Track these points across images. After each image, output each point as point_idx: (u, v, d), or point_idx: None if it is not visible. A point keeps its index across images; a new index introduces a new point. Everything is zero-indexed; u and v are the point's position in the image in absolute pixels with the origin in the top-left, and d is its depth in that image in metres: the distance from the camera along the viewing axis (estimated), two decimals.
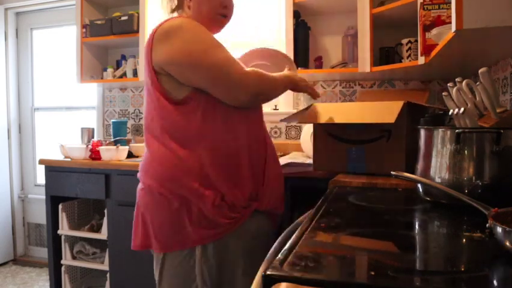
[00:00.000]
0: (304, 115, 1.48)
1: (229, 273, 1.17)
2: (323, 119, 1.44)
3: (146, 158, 1.21)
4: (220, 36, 1.27)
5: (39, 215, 3.18)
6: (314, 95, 1.39)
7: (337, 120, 1.39)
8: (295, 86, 1.34)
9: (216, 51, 1.15)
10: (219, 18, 1.28)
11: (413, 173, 0.95)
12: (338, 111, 1.43)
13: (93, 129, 2.59)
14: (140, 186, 1.23)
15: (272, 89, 1.25)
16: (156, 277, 1.22)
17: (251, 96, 1.17)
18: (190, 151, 1.13)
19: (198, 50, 1.13)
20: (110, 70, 2.69)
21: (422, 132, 0.96)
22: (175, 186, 1.13)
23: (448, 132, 0.87)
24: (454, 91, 1.03)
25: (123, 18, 2.49)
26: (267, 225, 1.25)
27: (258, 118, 1.30)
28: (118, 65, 2.75)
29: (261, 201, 1.22)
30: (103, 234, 2.16)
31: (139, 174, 1.23)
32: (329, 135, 1.46)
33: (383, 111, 1.31)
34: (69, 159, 2.22)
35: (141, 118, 2.85)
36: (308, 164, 1.71)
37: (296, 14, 2.22)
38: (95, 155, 2.19)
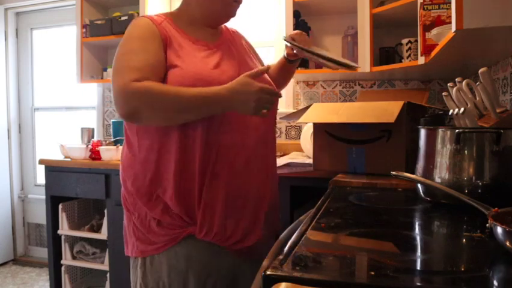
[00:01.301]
0: (304, 114, 1.48)
1: None
2: (322, 118, 1.44)
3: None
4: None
5: (39, 215, 3.18)
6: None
7: (337, 120, 1.38)
8: (226, 108, 1.01)
9: (128, 57, 1.02)
10: (231, 2, 1.15)
11: (413, 173, 0.95)
12: (337, 111, 1.43)
13: (93, 129, 2.59)
14: None
15: (162, 109, 0.99)
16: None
17: (126, 114, 0.99)
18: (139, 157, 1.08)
19: (121, 49, 1.05)
20: (110, 70, 2.69)
21: (422, 132, 0.96)
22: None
23: (448, 132, 0.87)
24: (454, 91, 1.03)
25: (123, 18, 2.49)
26: (209, 262, 1.04)
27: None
28: None
29: (200, 227, 1.03)
30: (103, 234, 2.17)
31: None
32: (328, 135, 1.46)
33: (383, 111, 1.31)
34: (69, 159, 2.22)
35: None
36: (308, 164, 1.71)
37: (296, 14, 2.22)
38: (95, 155, 2.19)
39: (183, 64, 1.04)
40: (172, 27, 1.10)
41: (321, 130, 1.48)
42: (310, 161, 1.63)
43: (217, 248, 1.05)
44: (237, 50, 1.20)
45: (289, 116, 1.63)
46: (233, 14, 1.18)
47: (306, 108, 1.52)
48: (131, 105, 0.98)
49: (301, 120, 1.49)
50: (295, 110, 2.25)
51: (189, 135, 1.02)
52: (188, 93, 0.97)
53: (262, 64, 1.31)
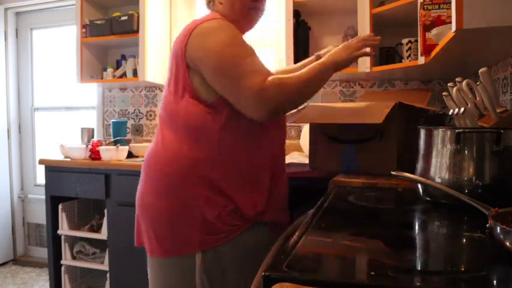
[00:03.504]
0: (299, 115, 1.50)
1: (230, 283, 1.11)
2: (315, 119, 1.45)
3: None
4: None
5: (39, 215, 3.18)
6: (371, 45, 1.24)
7: (326, 120, 1.40)
8: (339, 66, 1.18)
9: (245, 61, 1.09)
10: (252, 13, 1.24)
11: (410, 172, 0.95)
12: (331, 112, 1.45)
13: (93, 129, 2.59)
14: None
15: (298, 93, 1.13)
16: (153, 282, 1.18)
17: (268, 113, 1.08)
18: (203, 155, 1.11)
19: (229, 55, 1.09)
20: (110, 70, 2.69)
21: (422, 132, 0.96)
22: (180, 188, 1.11)
23: (448, 132, 0.87)
24: (454, 91, 1.03)
25: (123, 18, 2.49)
26: (267, 237, 1.15)
27: (283, 123, 1.27)
28: (118, 65, 2.75)
29: (265, 212, 1.17)
30: (103, 234, 2.16)
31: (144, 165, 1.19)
32: (323, 135, 1.47)
33: (373, 111, 1.31)
34: (69, 159, 2.22)
35: (141, 118, 2.85)
36: (308, 164, 1.71)
37: (296, 14, 2.22)
38: (95, 155, 2.19)
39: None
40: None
41: (317, 130, 1.49)
42: None
43: (267, 227, 1.18)
44: None
45: (287, 117, 1.64)
46: (253, 25, 1.31)
47: (302, 108, 1.53)
48: (274, 102, 1.07)
49: (296, 120, 1.50)
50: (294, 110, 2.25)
51: (276, 137, 1.25)
52: (306, 72, 1.13)
53: None
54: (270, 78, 1.07)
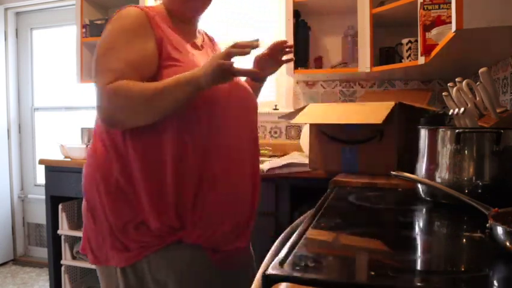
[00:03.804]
0: (298, 114, 1.50)
1: None
2: (315, 118, 1.45)
3: None
4: (220, 37, 1.25)
5: (39, 215, 3.18)
6: (251, 74, 1.08)
7: (326, 121, 1.40)
8: (200, 87, 0.91)
9: (107, 58, 0.93)
10: (191, 2, 1.06)
11: (410, 172, 0.95)
12: (331, 112, 1.45)
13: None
14: None
15: (138, 105, 0.90)
16: None
17: (104, 121, 0.93)
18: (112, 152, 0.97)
19: (105, 47, 0.95)
20: None
21: (422, 132, 0.96)
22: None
23: (448, 132, 0.87)
24: (454, 91, 1.03)
25: None
26: (199, 265, 0.96)
27: (201, 117, 0.96)
28: None
29: (190, 231, 0.95)
30: None
31: None
32: (323, 135, 1.47)
33: (373, 112, 1.32)
34: (69, 159, 2.22)
35: None
36: (308, 164, 1.71)
37: (296, 14, 2.22)
38: None
39: (184, 59, 0.97)
40: (164, 22, 1.01)
41: (317, 130, 1.49)
42: None
43: (199, 254, 0.96)
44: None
45: (286, 116, 1.64)
46: (198, 11, 1.09)
47: (302, 108, 1.54)
48: (106, 110, 0.91)
49: (295, 120, 1.50)
50: (294, 110, 2.25)
51: (183, 139, 0.95)
52: (158, 84, 0.90)
53: None
54: (119, 81, 0.89)
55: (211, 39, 1.24)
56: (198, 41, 1.13)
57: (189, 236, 0.95)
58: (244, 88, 1.11)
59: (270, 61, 1.18)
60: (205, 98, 0.96)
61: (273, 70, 1.21)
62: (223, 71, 0.89)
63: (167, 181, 0.94)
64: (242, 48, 0.90)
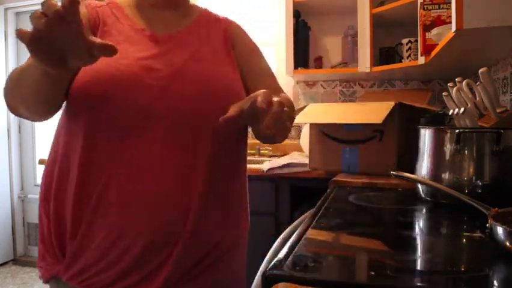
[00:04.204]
0: (299, 115, 1.50)
1: None
2: (315, 118, 1.45)
3: None
4: None
5: None
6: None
7: (326, 121, 1.40)
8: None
9: None
10: None
11: (410, 172, 0.95)
12: (331, 112, 1.45)
13: None
14: None
15: (6, 88, 0.77)
16: None
17: (8, 105, 0.80)
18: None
19: None
20: None
21: (422, 132, 0.96)
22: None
23: (448, 132, 0.87)
24: (454, 91, 1.03)
25: None
26: None
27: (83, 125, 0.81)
28: None
29: (67, 266, 0.80)
30: None
31: None
32: (324, 134, 1.47)
33: (373, 112, 1.32)
34: None
35: None
36: (308, 164, 1.71)
37: (296, 14, 2.22)
38: None
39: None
40: (115, 12, 0.84)
41: (317, 130, 1.49)
42: None
43: None
44: (200, 45, 0.88)
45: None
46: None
47: (302, 108, 1.54)
48: (6, 94, 0.78)
49: (295, 120, 1.50)
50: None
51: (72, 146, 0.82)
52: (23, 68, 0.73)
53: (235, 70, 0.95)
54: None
55: (218, 21, 1.04)
56: (172, 31, 0.87)
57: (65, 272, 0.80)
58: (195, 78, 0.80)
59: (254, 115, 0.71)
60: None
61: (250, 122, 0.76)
62: (32, 41, 0.52)
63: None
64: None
